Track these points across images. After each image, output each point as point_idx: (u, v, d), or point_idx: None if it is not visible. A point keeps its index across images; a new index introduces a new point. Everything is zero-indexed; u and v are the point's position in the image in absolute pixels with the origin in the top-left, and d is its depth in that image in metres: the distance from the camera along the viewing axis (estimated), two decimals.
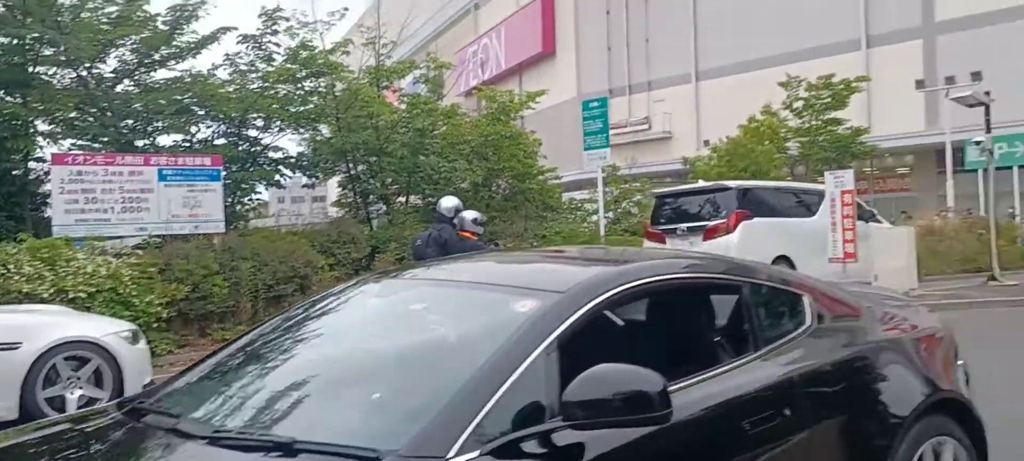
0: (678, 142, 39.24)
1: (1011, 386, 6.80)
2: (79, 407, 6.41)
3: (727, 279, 3.02)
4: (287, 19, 14.67)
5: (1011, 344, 8.50)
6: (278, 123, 14.90)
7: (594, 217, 17.69)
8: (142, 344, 7.35)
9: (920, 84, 26.46)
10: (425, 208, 16.32)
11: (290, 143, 17.15)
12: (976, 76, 21.84)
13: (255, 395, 2.52)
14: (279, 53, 14.75)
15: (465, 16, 60.75)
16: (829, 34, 33.41)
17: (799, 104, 24.33)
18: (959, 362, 3.54)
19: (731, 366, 2.72)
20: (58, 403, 6.61)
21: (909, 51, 31.66)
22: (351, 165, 15.77)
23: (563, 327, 2.36)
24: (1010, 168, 22.19)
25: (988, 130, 16.91)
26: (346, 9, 15.24)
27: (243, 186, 14.65)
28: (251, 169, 14.74)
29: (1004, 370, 7.26)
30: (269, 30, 14.59)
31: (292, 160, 15.55)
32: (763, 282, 3.10)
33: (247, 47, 14.68)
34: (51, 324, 6.98)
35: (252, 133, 15.07)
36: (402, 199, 16.38)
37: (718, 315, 3.07)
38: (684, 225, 13.53)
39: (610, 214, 17.88)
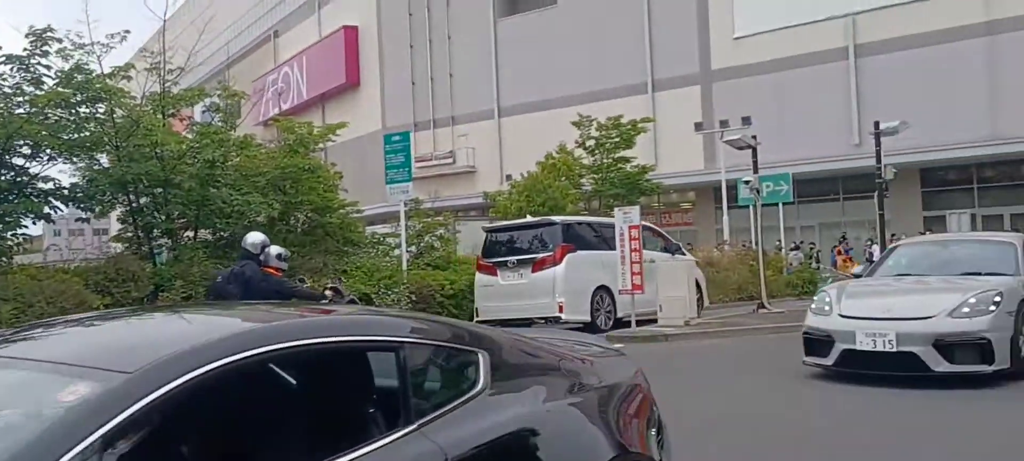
0: (482, 176, 40.03)
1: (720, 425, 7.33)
2: None
3: (375, 341, 2.52)
4: (59, 40, 13.52)
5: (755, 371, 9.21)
6: (48, 151, 13.64)
7: (396, 251, 17.59)
8: None
9: (699, 127, 28.68)
10: (215, 243, 15.51)
11: (62, 174, 15.84)
12: (746, 121, 23.96)
13: None
14: (49, 76, 13.55)
15: (264, 43, 58.94)
16: (619, 77, 35.52)
17: (591, 142, 25.64)
18: (654, 415, 3.21)
19: (371, 447, 2.23)
20: None
21: (689, 96, 34.28)
22: (133, 197, 14.72)
23: (113, 423, 1.81)
24: (776, 204, 24.45)
25: (755, 170, 18.55)
26: (127, 31, 14.25)
27: (6, 219, 13.25)
28: (16, 201, 13.36)
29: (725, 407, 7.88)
30: (38, 51, 13.37)
31: (64, 191, 14.28)
32: (425, 342, 2.65)
33: (12, 68, 13.37)
34: None
35: (18, 161, 13.69)
36: (190, 234, 15.49)
37: (363, 386, 2.54)
38: (514, 258, 14.15)
39: (413, 248, 17.85)
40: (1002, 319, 7.34)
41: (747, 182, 20.81)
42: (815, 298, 8.66)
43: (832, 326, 7.98)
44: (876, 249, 23.81)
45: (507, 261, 14.19)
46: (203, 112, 18.49)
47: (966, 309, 7.40)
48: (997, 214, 29.94)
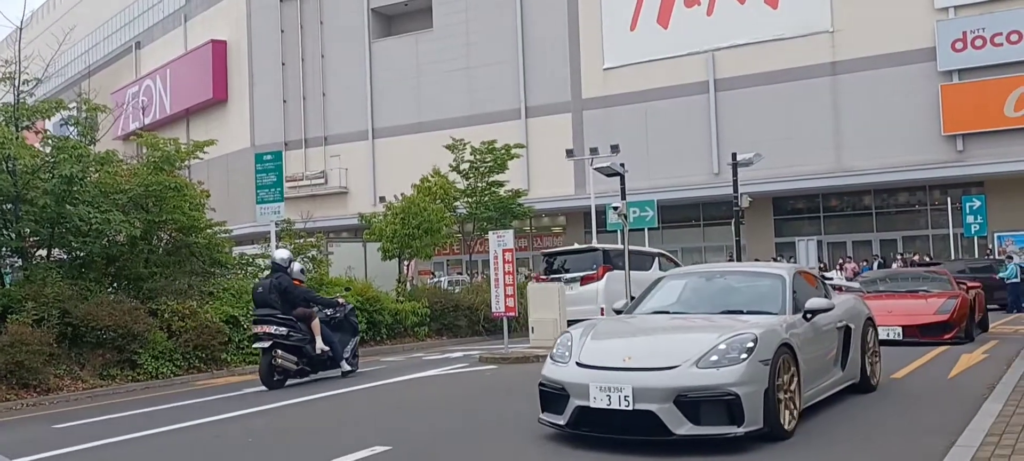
0: (355, 197, 39.62)
1: None
2: None
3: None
4: None
5: None
6: None
7: (266, 272, 17.19)
8: None
9: (570, 153, 29.49)
10: (71, 263, 14.72)
11: None
12: (614, 149, 24.84)
13: None
14: None
15: (125, 54, 56.34)
16: (494, 103, 36.13)
17: (465, 166, 25.91)
18: None
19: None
20: None
21: (561, 123, 35.25)
22: None
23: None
24: (642, 229, 25.46)
25: (623, 196, 19.29)
26: None
27: None
28: None
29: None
30: None
31: None
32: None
33: None
34: None
35: None
36: (43, 253, 14.62)
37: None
38: (567, 275, 18.10)
39: None
40: (755, 369, 6.02)
41: (615, 208, 21.57)
42: (558, 340, 7.05)
43: (566, 377, 6.44)
44: None
45: (561, 277, 17.89)
46: (61, 125, 17.52)
47: (714, 357, 6.08)
48: (841, 241, 32.27)
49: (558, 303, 14.78)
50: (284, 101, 43.02)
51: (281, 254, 12.17)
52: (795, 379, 6.47)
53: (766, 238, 32.58)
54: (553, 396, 6.55)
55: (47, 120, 15.92)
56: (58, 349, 12.21)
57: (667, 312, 7.62)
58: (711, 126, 32.47)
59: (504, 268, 14.68)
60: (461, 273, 30.32)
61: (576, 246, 21.50)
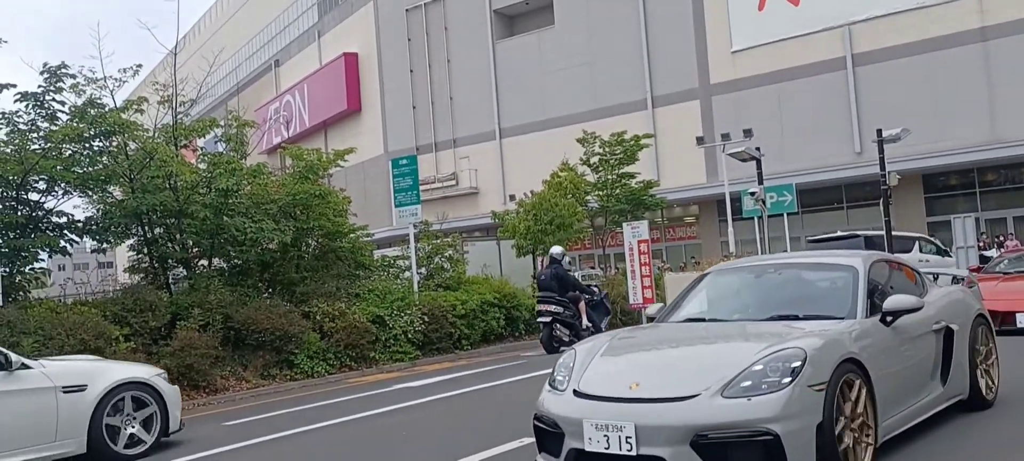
0: (485, 197, 40.23)
1: None
2: (127, 443, 7.70)
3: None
4: (73, 76, 13.73)
5: None
6: (63, 186, 13.81)
7: (407, 273, 17.72)
8: (173, 386, 8.52)
9: (700, 141, 28.85)
10: (230, 271, 15.64)
11: (75, 208, 15.85)
12: (747, 133, 24.13)
13: None
14: (64, 112, 13.75)
15: (265, 72, 59.37)
16: (619, 95, 35.77)
17: (595, 159, 25.80)
18: None
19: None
20: (111, 434, 7.62)
21: (689, 110, 34.52)
22: (147, 228, 14.88)
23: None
24: (780, 215, 24.60)
25: (761, 181, 18.70)
26: (139, 65, 14.40)
27: (23, 255, 13.39)
28: (33, 236, 13.52)
29: None
30: (52, 87, 13.58)
31: (79, 225, 14.43)
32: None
33: (27, 105, 13.57)
34: (107, 368, 8.07)
35: (33, 197, 13.85)
36: (204, 262, 15.62)
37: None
38: None
39: (423, 270, 17.99)
40: (803, 397, 4.46)
41: (752, 194, 20.98)
42: (559, 361, 5.51)
43: (560, 410, 5.00)
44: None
45: None
46: (213, 142, 18.66)
47: (747, 382, 4.53)
48: (1000, 217, 30.08)
49: None
50: (413, 107, 44.19)
51: (557, 250, 15.31)
52: (867, 405, 4.85)
53: (916, 218, 30.77)
54: (548, 434, 5.06)
55: (201, 138, 17.01)
56: (223, 352, 13.04)
57: (702, 319, 5.99)
58: (850, 104, 30.97)
59: (640, 259, 14.58)
60: (593, 267, 30.22)
61: (838, 233, 20.59)
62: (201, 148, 18.65)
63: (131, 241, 15.96)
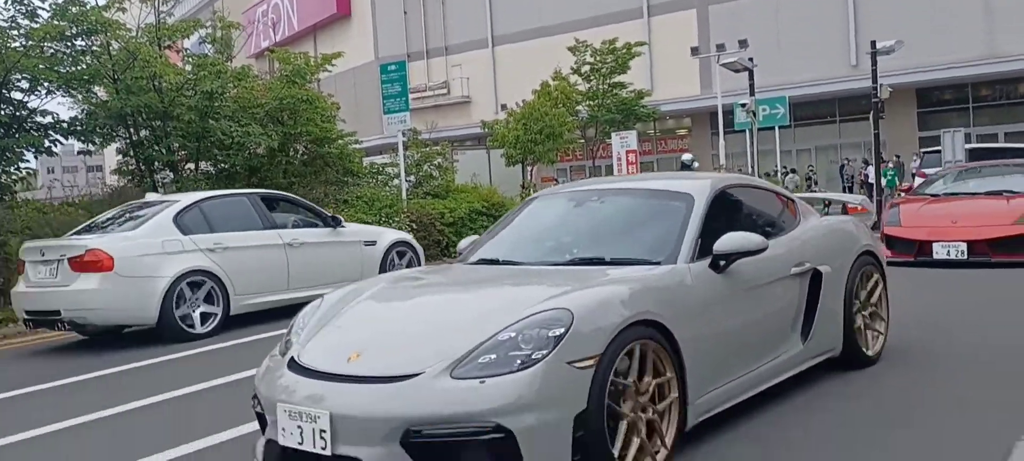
0: (477, 106, 39.88)
1: None
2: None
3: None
4: None
5: None
6: (46, 85, 13.64)
7: (396, 181, 17.71)
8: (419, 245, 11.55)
9: (695, 51, 28.48)
10: (218, 176, 15.60)
11: (61, 107, 15.59)
12: (742, 44, 23.84)
13: None
14: (44, 9, 13.47)
15: None
16: (615, 3, 35.11)
17: (586, 68, 25.56)
18: None
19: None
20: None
21: (685, 20, 33.98)
22: (132, 130, 14.76)
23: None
24: (772, 128, 24.51)
25: (752, 93, 18.59)
26: None
27: (7, 154, 13.33)
28: (17, 136, 13.41)
29: None
30: None
31: (64, 125, 14.31)
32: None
33: (6, 3, 13.29)
34: (385, 232, 11.22)
35: (16, 96, 13.69)
36: (191, 166, 15.57)
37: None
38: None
39: (412, 178, 17.97)
40: (555, 379, 3.19)
41: (743, 105, 20.89)
42: (298, 315, 4.22)
43: (265, 387, 3.73)
44: (871, 171, 23.99)
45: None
46: (199, 44, 18.36)
47: (488, 356, 3.26)
48: (991, 133, 30.06)
49: None
50: (404, 12, 43.37)
51: (687, 156, 16.88)
52: (671, 381, 3.65)
53: (909, 133, 30.73)
54: (261, 418, 3.78)
55: (186, 39, 16.73)
56: None
57: (497, 261, 4.67)
58: (848, 15, 30.53)
59: (628, 170, 14.55)
60: (584, 178, 30.25)
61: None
62: (186, 50, 18.35)
63: (118, 144, 15.86)
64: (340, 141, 17.33)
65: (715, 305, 4.04)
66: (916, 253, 10.02)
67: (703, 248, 4.16)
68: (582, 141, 27.71)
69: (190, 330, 8.26)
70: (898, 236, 10.37)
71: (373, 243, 10.36)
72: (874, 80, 19.63)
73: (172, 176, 15.34)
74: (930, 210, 10.55)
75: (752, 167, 21.83)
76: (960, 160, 18.04)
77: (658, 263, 4.08)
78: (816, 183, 30.46)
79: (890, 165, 25.32)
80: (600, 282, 3.80)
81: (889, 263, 9.68)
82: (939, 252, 9.85)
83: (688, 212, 4.34)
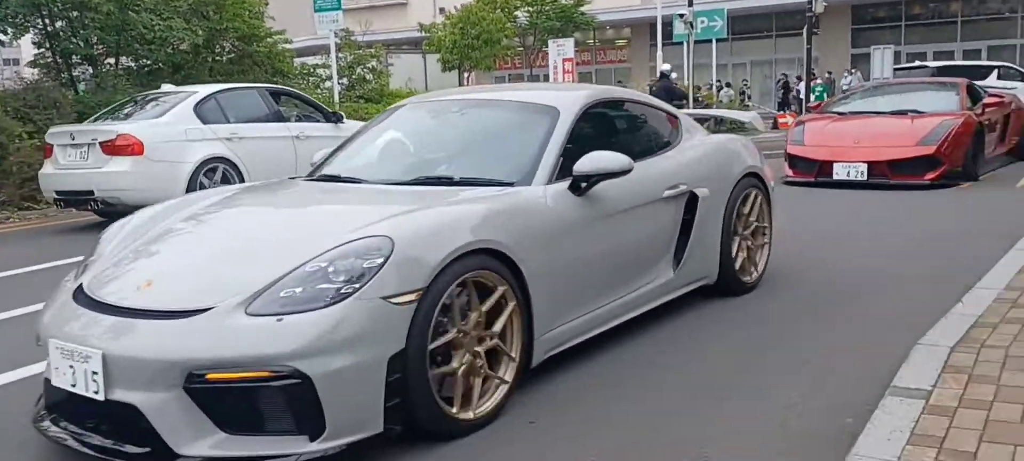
0: (413, 8, 38.93)
1: None
2: None
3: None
4: None
5: None
6: None
7: (328, 83, 17.34)
8: None
9: None
10: (139, 71, 15.02)
11: None
12: None
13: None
14: None
15: None
16: None
17: None
18: None
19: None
20: None
21: None
22: (48, 20, 14.03)
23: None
24: (709, 41, 24.57)
25: (690, 4, 18.57)
26: None
27: None
28: None
29: None
30: None
31: None
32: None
33: None
34: None
35: None
36: (111, 61, 14.93)
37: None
38: None
39: (344, 80, 17.61)
40: (367, 316, 2.73)
41: (682, 16, 20.86)
42: (102, 234, 3.71)
43: (44, 317, 3.18)
44: (803, 87, 24.37)
45: None
46: None
47: (292, 290, 2.76)
48: (921, 51, 30.74)
49: None
50: None
51: (666, 66, 16.59)
52: (512, 318, 3.23)
53: (841, 49, 31.20)
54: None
55: None
56: None
57: (338, 178, 4.15)
58: None
59: (565, 79, 14.49)
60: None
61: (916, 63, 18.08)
62: None
63: (33, 36, 15.08)
64: (269, 39, 16.81)
65: (573, 231, 3.60)
66: (817, 173, 9.69)
67: (565, 168, 3.72)
68: (520, 49, 27.42)
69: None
70: (800, 155, 10.01)
71: None
72: None
73: (91, 71, 14.71)
74: (834, 129, 10.17)
75: (688, 79, 21.94)
76: (887, 78, 18.42)
77: (512, 184, 3.63)
78: (750, 97, 30.84)
79: (819, 81, 25.74)
80: (438, 204, 3.30)
81: (790, 183, 9.63)
82: (839, 172, 9.51)
83: (550, 128, 3.91)
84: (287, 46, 18.01)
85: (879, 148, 9.46)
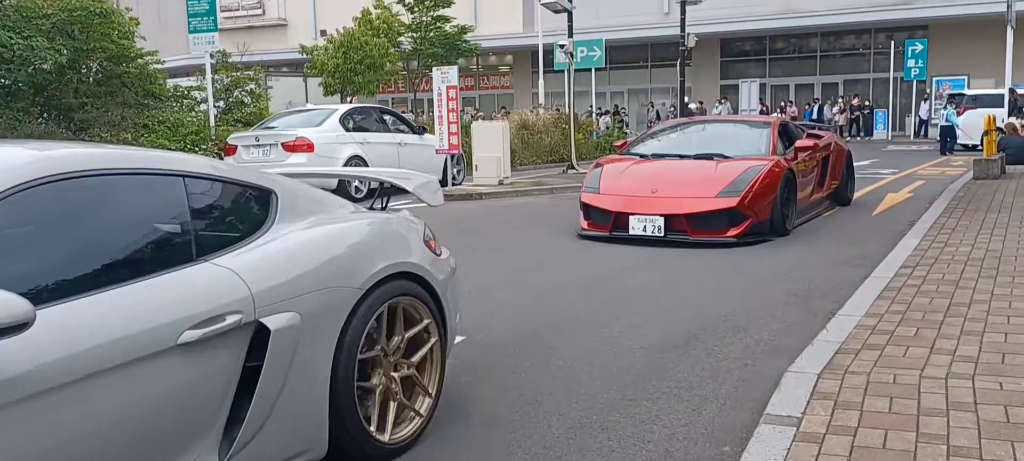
0: (294, 30, 38.26)
1: None
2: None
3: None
4: None
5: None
6: None
7: (203, 106, 16.76)
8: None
9: None
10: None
11: None
12: None
13: None
14: None
15: None
16: None
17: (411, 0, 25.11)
18: None
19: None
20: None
21: None
22: None
23: None
24: (589, 70, 25.23)
25: (570, 34, 19.02)
26: None
27: None
28: None
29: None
30: None
31: None
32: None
33: None
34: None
35: None
36: None
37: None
38: None
39: (221, 103, 17.06)
40: None
41: (562, 46, 21.30)
42: None
43: None
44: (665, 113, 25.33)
45: None
46: None
47: None
48: (784, 84, 32.60)
49: (502, 142, 14.75)
50: None
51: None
52: None
53: (712, 80, 32.66)
54: None
55: None
56: None
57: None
58: None
59: (449, 106, 14.50)
60: (406, 111, 29.96)
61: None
62: None
63: None
64: (140, 60, 16.13)
65: None
66: (611, 226, 8.29)
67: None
68: (404, 73, 27.34)
69: (356, 196, 10.92)
70: (595, 205, 8.54)
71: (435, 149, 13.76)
72: (682, 29, 20.63)
73: None
74: (633, 174, 8.74)
75: (569, 106, 22.43)
76: (755, 108, 19.39)
77: None
78: (627, 124, 31.81)
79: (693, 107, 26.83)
80: None
81: (585, 236, 8.56)
82: (635, 226, 8.10)
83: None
84: (159, 67, 17.31)
85: (678, 199, 8.12)
